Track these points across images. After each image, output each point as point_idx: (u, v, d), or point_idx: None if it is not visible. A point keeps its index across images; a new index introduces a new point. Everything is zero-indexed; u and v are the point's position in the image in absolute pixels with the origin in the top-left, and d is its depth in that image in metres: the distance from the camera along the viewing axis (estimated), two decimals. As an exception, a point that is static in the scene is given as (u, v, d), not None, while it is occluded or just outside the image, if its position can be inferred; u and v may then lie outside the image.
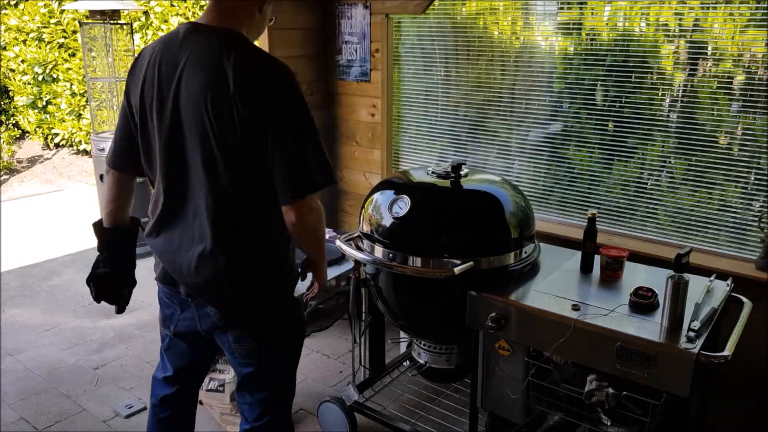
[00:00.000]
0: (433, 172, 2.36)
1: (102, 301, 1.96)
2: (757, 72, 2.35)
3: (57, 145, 7.92)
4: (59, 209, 6.28)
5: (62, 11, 7.14)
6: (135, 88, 1.71)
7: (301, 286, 2.01)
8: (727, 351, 1.74)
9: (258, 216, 1.68)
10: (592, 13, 2.69)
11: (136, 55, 1.80)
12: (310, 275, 2.00)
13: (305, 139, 1.61)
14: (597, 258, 2.25)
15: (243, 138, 1.57)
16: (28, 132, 8.11)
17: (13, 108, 8.02)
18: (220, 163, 1.60)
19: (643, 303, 1.94)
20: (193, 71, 1.59)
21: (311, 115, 1.64)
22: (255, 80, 1.57)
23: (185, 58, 1.60)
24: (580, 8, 2.70)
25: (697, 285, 2.04)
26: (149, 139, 1.71)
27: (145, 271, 2.07)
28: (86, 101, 6.96)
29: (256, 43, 1.78)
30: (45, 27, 7.20)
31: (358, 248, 2.38)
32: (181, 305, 1.86)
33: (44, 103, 7.62)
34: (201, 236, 1.66)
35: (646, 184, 2.69)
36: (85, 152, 7.60)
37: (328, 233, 2.96)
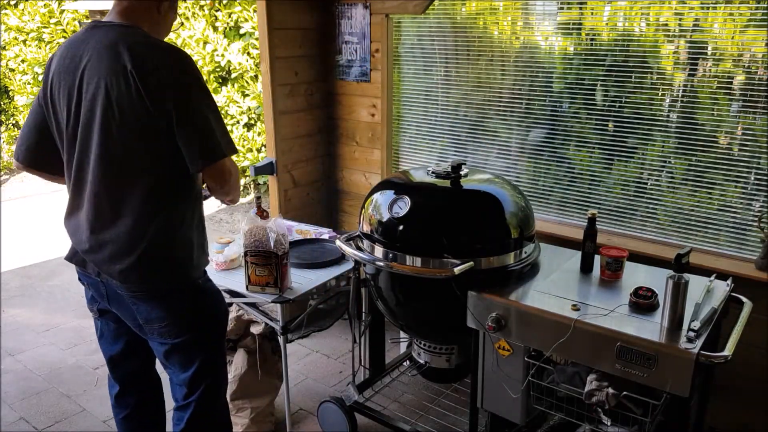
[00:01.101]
0: (433, 172, 2.36)
1: None
2: (757, 72, 2.35)
3: (57, 145, 7.92)
4: (59, 209, 6.28)
5: (62, 11, 7.14)
6: (45, 86, 1.82)
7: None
8: (727, 351, 1.74)
9: (159, 198, 1.76)
10: (592, 13, 2.69)
11: None
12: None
13: (208, 112, 1.73)
14: (597, 258, 2.25)
15: (143, 118, 1.67)
16: (28, 132, 8.09)
17: (13, 108, 8.02)
18: (120, 146, 1.70)
19: (643, 303, 1.94)
20: (93, 61, 1.69)
21: (210, 93, 1.78)
22: (151, 60, 1.67)
23: (87, 52, 1.71)
24: (580, 8, 2.70)
25: (697, 285, 2.04)
26: (61, 129, 1.80)
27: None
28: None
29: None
30: (45, 27, 7.21)
31: (358, 248, 2.38)
32: (92, 286, 1.93)
33: (44, 103, 7.61)
34: (102, 213, 1.76)
35: (646, 184, 2.69)
36: (85, 152, 7.59)
37: (328, 233, 2.97)
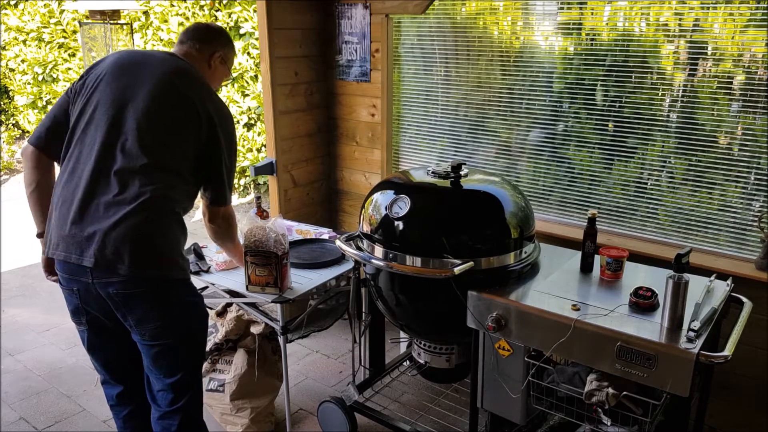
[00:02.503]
0: (433, 172, 2.36)
1: None
2: (757, 72, 2.35)
3: (57, 145, 7.92)
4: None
5: (62, 11, 7.14)
6: (89, 81, 1.91)
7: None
8: (727, 351, 1.74)
9: (168, 193, 1.87)
10: (592, 13, 2.69)
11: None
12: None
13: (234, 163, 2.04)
14: (597, 258, 2.25)
15: (186, 123, 1.87)
16: (28, 132, 8.10)
17: (13, 108, 8.02)
18: (151, 149, 1.83)
19: (643, 303, 1.94)
20: (151, 66, 1.89)
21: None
22: (212, 102, 1.92)
23: (147, 60, 1.92)
24: (580, 8, 2.70)
25: (697, 285, 2.04)
26: (85, 122, 1.86)
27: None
28: (86, 101, 6.94)
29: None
30: (45, 27, 7.21)
31: (358, 248, 2.38)
32: (80, 292, 1.87)
33: (44, 103, 7.62)
34: (123, 190, 1.80)
35: (646, 184, 2.69)
36: (85, 152, 7.59)
37: (328, 233, 2.97)
